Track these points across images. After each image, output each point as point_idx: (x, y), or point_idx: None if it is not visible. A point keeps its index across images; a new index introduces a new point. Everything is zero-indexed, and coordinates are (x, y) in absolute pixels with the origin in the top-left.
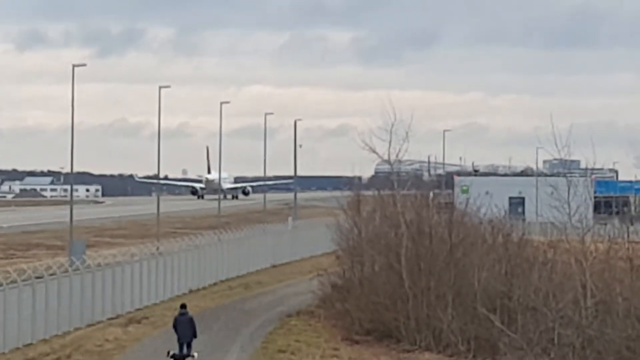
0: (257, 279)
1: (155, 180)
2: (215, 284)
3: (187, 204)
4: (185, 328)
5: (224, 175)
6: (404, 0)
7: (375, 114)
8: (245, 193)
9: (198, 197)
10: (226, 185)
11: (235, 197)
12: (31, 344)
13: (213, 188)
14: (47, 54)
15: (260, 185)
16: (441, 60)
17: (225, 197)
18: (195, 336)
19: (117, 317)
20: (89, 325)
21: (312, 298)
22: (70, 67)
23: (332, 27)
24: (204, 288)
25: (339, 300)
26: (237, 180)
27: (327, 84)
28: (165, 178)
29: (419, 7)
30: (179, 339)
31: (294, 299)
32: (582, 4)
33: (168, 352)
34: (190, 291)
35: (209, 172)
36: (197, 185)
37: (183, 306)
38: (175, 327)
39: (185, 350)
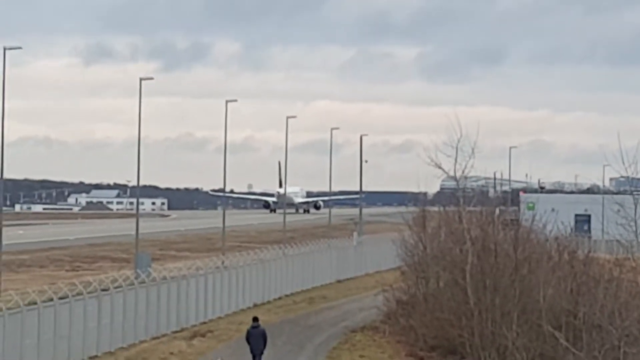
0: (321, 293)
1: (227, 194)
2: (279, 298)
3: (254, 218)
4: (257, 340)
5: (296, 189)
6: (468, 17)
7: (441, 130)
8: (317, 207)
9: (271, 211)
10: (298, 199)
11: (307, 211)
12: (96, 356)
13: (285, 202)
14: (113, 68)
15: (331, 200)
16: (507, 77)
17: (297, 211)
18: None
19: (182, 330)
20: (154, 338)
21: (376, 313)
22: (137, 81)
23: (398, 43)
24: (269, 302)
25: (404, 316)
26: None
27: (392, 99)
28: (232, 192)
29: (484, 24)
30: (251, 351)
31: (358, 314)
32: None
33: None
34: (255, 305)
35: (280, 186)
36: (270, 199)
37: (255, 319)
38: (247, 339)
39: None
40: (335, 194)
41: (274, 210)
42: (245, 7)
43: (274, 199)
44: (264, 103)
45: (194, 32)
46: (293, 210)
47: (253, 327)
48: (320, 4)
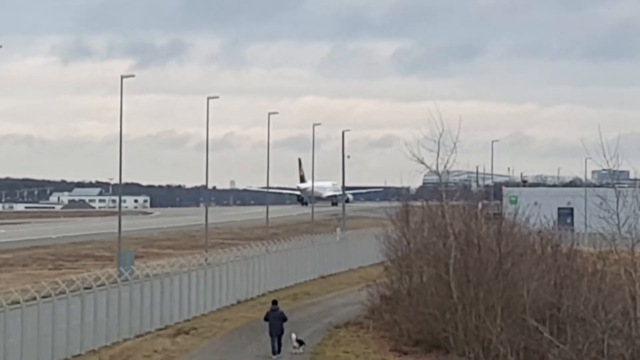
0: (305, 289)
1: (259, 190)
2: (263, 294)
3: (236, 215)
4: (276, 322)
5: (326, 184)
6: (446, 12)
7: (423, 125)
8: (346, 200)
9: (302, 204)
10: (327, 193)
11: (335, 204)
12: (80, 354)
13: (307, 196)
14: (92, 66)
15: (358, 194)
16: (488, 72)
17: (333, 204)
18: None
19: (166, 328)
20: (138, 336)
21: (360, 309)
22: (118, 79)
23: (378, 39)
24: (252, 299)
25: (388, 311)
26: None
27: (375, 95)
28: (266, 187)
29: (461, 19)
30: (270, 332)
31: (342, 309)
32: (624, 17)
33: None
34: (239, 302)
35: (302, 181)
36: (296, 193)
37: (274, 302)
38: (267, 319)
39: (276, 343)
40: (354, 188)
41: (306, 204)
42: (224, 5)
43: (298, 193)
44: (248, 100)
45: (173, 30)
46: (325, 203)
47: (272, 310)
48: (299, 1)
